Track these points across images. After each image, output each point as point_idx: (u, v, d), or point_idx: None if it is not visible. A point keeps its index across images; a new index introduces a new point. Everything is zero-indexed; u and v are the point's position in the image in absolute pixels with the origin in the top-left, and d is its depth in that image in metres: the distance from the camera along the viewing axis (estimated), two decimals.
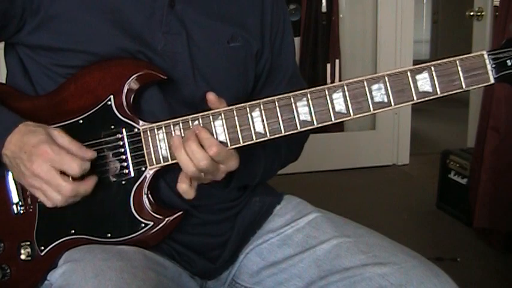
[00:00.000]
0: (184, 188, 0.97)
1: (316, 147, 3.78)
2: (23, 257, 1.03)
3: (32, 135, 0.94)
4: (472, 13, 3.03)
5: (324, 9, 3.97)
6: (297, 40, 3.87)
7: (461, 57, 0.94)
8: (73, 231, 1.01)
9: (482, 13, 3.00)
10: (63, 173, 0.94)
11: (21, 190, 1.03)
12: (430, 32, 8.35)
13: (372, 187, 3.66)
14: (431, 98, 0.95)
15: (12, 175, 1.02)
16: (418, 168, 4.04)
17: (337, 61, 4.01)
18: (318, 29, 3.98)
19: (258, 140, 0.97)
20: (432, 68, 0.94)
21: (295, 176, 3.71)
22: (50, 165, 0.93)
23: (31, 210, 1.02)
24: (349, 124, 4.16)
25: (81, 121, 1.02)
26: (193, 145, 0.94)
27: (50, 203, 0.96)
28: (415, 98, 0.95)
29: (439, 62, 0.94)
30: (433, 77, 0.94)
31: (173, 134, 0.98)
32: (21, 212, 1.03)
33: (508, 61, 0.93)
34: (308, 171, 3.84)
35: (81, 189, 0.96)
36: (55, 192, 0.94)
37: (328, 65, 4.02)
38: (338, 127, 4.11)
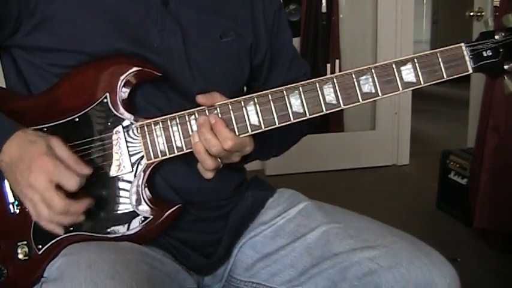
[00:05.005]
0: (200, 167, 1.01)
1: (316, 147, 3.78)
2: (20, 256, 1.02)
3: (33, 145, 0.94)
4: (472, 13, 3.03)
5: (323, 9, 3.96)
6: (297, 40, 3.87)
7: (441, 49, 1.01)
8: (71, 228, 1.01)
9: (482, 13, 2.99)
10: (58, 188, 0.93)
11: None
12: (430, 32, 8.35)
13: (372, 187, 3.66)
14: (416, 87, 1.01)
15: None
16: (418, 168, 4.03)
17: (337, 61, 4.00)
18: (318, 29, 3.98)
19: (253, 132, 1.00)
20: (415, 60, 1.00)
21: (294, 176, 3.71)
22: (47, 178, 0.92)
23: (27, 209, 1.01)
24: (349, 124, 4.16)
25: (77, 119, 1.02)
26: (208, 134, 0.97)
27: (35, 217, 0.96)
28: (400, 88, 1.00)
29: (421, 54, 1.00)
30: (416, 68, 1.00)
31: (170, 129, 1.01)
32: (18, 211, 1.03)
33: (484, 52, 1.01)
34: (308, 171, 3.84)
35: (73, 209, 0.95)
36: (45, 206, 0.93)
37: (328, 65, 4.02)
38: (338, 127, 4.11)
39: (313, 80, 1.00)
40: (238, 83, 1.19)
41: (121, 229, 1.02)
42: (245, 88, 1.24)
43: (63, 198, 0.93)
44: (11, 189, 1.02)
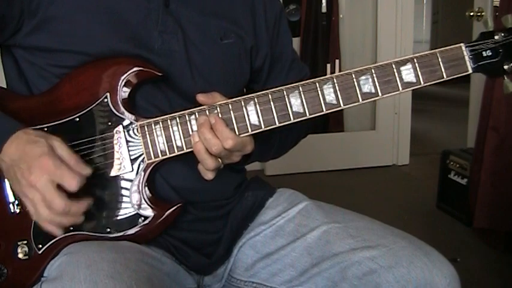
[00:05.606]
0: (200, 168, 1.01)
1: (316, 148, 3.78)
2: (20, 256, 1.02)
3: (34, 145, 0.94)
4: (472, 13, 3.02)
5: (323, 9, 3.97)
6: (296, 40, 3.87)
7: (441, 49, 1.01)
8: (71, 227, 1.01)
9: (482, 13, 2.99)
10: (58, 188, 0.93)
11: None
12: (430, 32, 8.36)
13: (372, 187, 3.66)
14: (416, 87, 1.01)
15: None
16: (418, 168, 4.04)
17: (337, 61, 4.01)
18: (318, 29, 3.98)
19: (254, 132, 1.01)
20: (415, 60, 1.00)
21: (294, 176, 3.71)
22: (48, 178, 0.92)
23: (27, 208, 1.02)
24: (349, 124, 4.16)
25: (77, 119, 1.03)
26: (208, 133, 0.97)
27: (35, 217, 0.96)
28: (400, 88, 1.00)
29: (421, 54, 1.00)
30: (416, 68, 1.00)
31: (170, 129, 1.01)
32: (18, 211, 1.03)
33: (484, 52, 1.01)
34: (308, 172, 3.84)
35: (73, 209, 0.95)
36: (45, 207, 0.93)
37: (328, 65, 4.02)
38: (338, 127, 4.11)
39: (313, 80, 1.01)
40: (239, 85, 1.19)
41: (121, 229, 1.02)
42: (245, 90, 1.24)
43: (64, 198, 0.93)
44: (11, 189, 1.02)
